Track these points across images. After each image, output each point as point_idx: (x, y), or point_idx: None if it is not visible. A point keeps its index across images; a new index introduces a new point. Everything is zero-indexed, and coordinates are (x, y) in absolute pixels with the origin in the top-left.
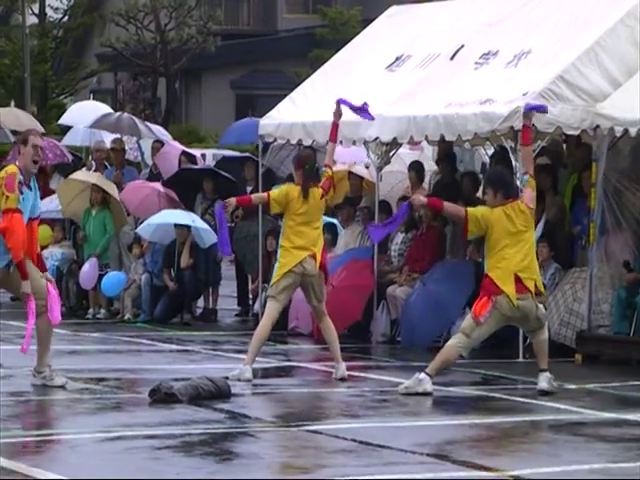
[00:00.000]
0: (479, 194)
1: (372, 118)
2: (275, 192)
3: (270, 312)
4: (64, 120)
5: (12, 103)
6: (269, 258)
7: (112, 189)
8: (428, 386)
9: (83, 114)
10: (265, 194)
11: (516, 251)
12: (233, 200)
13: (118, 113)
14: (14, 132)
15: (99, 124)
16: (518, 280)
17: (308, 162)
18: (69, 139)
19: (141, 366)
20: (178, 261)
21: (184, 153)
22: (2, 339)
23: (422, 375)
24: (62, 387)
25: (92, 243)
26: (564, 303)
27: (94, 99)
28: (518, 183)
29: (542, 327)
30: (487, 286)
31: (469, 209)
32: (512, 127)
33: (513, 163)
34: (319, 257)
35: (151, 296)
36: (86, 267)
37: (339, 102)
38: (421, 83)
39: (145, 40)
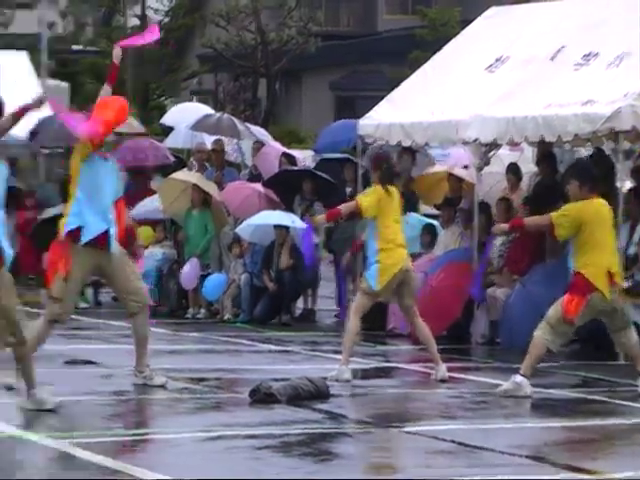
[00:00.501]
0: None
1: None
2: (366, 198)
3: (360, 308)
4: (165, 120)
5: None
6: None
7: (213, 189)
8: (528, 390)
9: (184, 115)
10: (354, 202)
11: (607, 246)
12: (322, 218)
13: (218, 114)
14: (118, 134)
15: (200, 126)
16: (609, 275)
17: (385, 163)
18: (171, 141)
19: (240, 366)
20: (278, 262)
21: (284, 154)
22: (103, 339)
23: (519, 378)
24: (162, 387)
25: (193, 243)
26: None
27: (195, 100)
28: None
29: (627, 327)
30: (580, 284)
31: (553, 215)
32: (613, 128)
33: (615, 164)
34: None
35: (251, 296)
36: (187, 268)
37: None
38: (521, 84)
39: (246, 41)
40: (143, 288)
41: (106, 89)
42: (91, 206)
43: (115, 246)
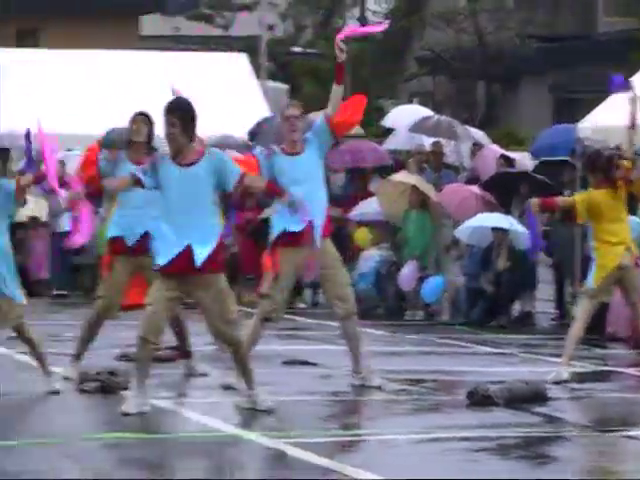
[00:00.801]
0: None
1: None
2: (580, 197)
3: (584, 312)
4: (386, 122)
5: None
6: (587, 261)
7: (431, 191)
8: None
9: (404, 117)
10: (572, 198)
11: None
12: (536, 201)
13: (437, 116)
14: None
15: (419, 128)
16: None
17: (599, 162)
18: (390, 143)
19: (458, 368)
20: (495, 264)
21: (502, 156)
22: (321, 339)
23: None
24: (379, 388)
25: (411, 245)
26: None
27: (413, 102)
28: None
29: None
30: None
31: None
32: None
33: None
34: (635, 250)
35: (468, 298)
36: (405, 270)
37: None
38: None
39: (464, 43)
40: (351, 294)
41: (336, 90)
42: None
43: (326, 245)
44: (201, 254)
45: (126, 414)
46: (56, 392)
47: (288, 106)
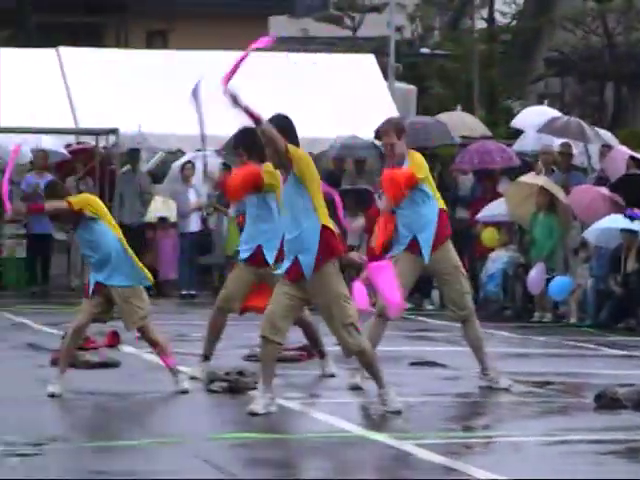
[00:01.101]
0: None
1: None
2: None
3: None
4: (514, 123)
5: (459, 107)
6: None
7: (559, 193)
8: None
9: (532, 118)
10: None
11: None
12: None
13: (566, 117)
14: (464, 137)
15: (547, 129)
16: None
17: None
18: (519, 145)
19: (585, 370)
20: (624, 266)
21: (631, 157)
22: (449, 341)
23: None
24: (507, 390)
25: (538, 246)
26: None
27: (542, 103)
28: None
29: None
30: None
31: None
32: None
33: None
34: None
35: (596, 300)
36: (533, 273)
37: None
38: None
39: (592, 44)
40: (469, 302)
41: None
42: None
43: (445, 251)
44: (307, 264)
45: (254, 414)
46: (185, 391)
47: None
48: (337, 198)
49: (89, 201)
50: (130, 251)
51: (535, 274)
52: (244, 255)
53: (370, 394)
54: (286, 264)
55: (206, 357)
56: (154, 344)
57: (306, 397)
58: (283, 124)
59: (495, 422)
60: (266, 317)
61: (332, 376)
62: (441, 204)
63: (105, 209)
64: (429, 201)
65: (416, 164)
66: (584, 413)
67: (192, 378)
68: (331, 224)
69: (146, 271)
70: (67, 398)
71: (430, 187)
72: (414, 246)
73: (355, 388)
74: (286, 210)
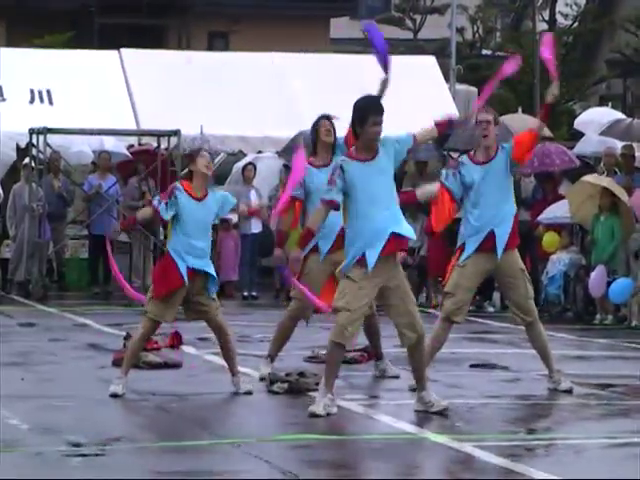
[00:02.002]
0: None
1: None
2: None
3: None
4: (577, 124)
5: (519, 110)
6: None
7: (622, 194)
8: None
9: (595, 120)
10: None
11: None
12: None
13: (629, 120)
14: None
15: (610, 132)
16: None
17: None
18: (580, 147)
19: None
20: None
21: None
22: (511, 343)
23: None
24: (568, 392)
25: (600, 248)
26: None
27: (604, 105)
28: None
29: None
30: None
31: None
32: None
33: None
34: None
35: None
36: (594, 275)
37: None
38: None
39: None
40: (532, 306)
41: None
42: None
43: (508, 255)
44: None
45: (314, 415)
46: (249, 392)
47: (480, 111)
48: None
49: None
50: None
51: (596, 277)
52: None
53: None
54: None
55: (271, 358)
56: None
57: (367, 398)
58: None
59: (556, 424)
60: (339, 326)
61: (396, 377)
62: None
63: None
64: (511, 198)
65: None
66: None
67: (262, 379)
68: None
69: None
70: (129, 398)
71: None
72: (488, 242)
73: (415, 389)
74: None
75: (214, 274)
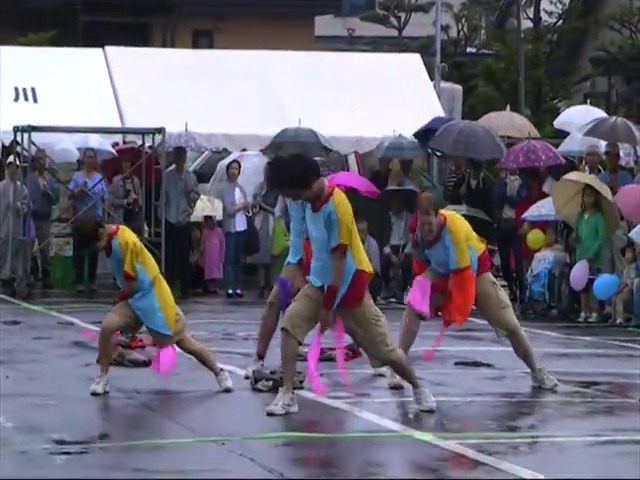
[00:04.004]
0: None
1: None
2: None
3: None
4: (558, 124)
5: (507, 108)
6: None
7: (606, 192)
8: None
9: (576, 118)
10: None
11: None
12: None
13: (613, 118)
14: (511, 137)
15: (594, 132)
16: None
17: None
18: (566, 146)
19: (632, 371)
20: None
21: None
22: (495, 340)
23: None
24: (552, 390)
25: (584, 246)
26: None
27: (589, 103)
28: None
29: None
30: None
31: None
32: None
33: None
34: None
35: None
36: (576, 267)
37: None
38: None
39: (639, 44)
40: (503, 316)
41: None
42: None
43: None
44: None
45: (271, 414)
46: (228, 390)
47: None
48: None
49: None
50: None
51: (578, 271)
52: None
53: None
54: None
55: (259, 355)
56: (194, 354)
57: (351, 396)
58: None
59: (540, 422)
60: (289, 315)
61: (381, 376)
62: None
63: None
64: None
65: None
66: (630, 413)
67: (246, 377)
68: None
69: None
70: (113, 396)
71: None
72: None
73: (395, 387)
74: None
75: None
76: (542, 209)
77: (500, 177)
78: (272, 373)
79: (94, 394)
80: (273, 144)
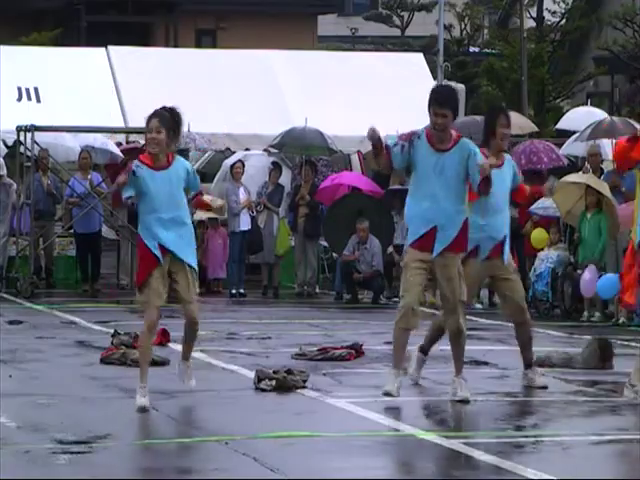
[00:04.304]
0: None
1: None
2: None
3: None
4: (561, 125)
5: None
6: None
7: (606, 190)
8: None
9: (579, 119)
10: None
11: None
12: None
13: (609, 117)
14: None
15: (594, 134)
16: None
17: None
18: (569, 149)
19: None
20: None
21: None
22: (498, 340)
23: None
24: (544, 388)
25: (587, 246)
26: None
27: (591, 103)
28: None
29: None
30: None
31: None
32: None
33: None
34: None
35: None
36: (585, 273)
37: None
38: None
39: None
40: (520, 306)
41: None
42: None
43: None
44: None
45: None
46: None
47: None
48: None
49: None
50: None
51: (588, 278)
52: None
53: (418, 393)
54: None
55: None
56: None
57: (355, 396)
58: None
59: (544, 421)
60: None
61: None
62: None
63: None
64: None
65: None
66: (633, 413)
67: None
68: None
69: None
70: (117, 396)
71: None
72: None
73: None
74: None
75: (190, 247)
76: (547, 201)
77: None
78: (275, 372)
79: (142, 410)
80: (278, 143)
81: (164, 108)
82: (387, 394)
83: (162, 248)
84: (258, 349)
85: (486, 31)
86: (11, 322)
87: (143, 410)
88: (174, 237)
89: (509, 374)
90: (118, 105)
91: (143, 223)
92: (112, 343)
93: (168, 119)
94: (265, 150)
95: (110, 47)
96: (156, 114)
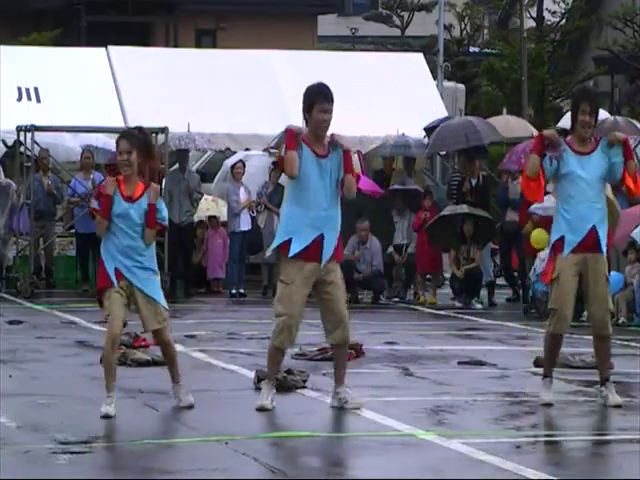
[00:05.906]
0: None
1: None
2: None
3: None
4: (561, 124)
5: (504, 111)
6: None
7: (607, 190)
8: None
9: None
10: None
11: None
12: None
13: (612, 117)
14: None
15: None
16: None
17: None
18: None
19: (635, 370)
20: None
21: None
22: (498, 340)
23: None
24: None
25: None
26: None
27: None
28: None
29: None
30: None
31: None
32: None
33: None
34: None
35: None
36: None
37: None
38: None
39: None
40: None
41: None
42: None
43: None
44: None
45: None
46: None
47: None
48: None
49: None
50: None
51: None
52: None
53: (418, 393)
54: None
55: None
56: (165, 347)
57: (355, 396)
58: None
59: (544, 421)
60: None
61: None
62: None
63: None
64: None
65: None
66: (633, 412)
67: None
68: None
69: None
70: (117, 396)
71: None
72: None
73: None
74: None
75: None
76: (547, 201)
77: (502, 180)
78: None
79: (106, 417)
80: (278, 144)
81: (133, 128)
82: (261, 408)
83: (118, 273)
84: (258, 349)
85: (486, 31)
86: (11, 322)
87: (107, 417)
88: (131, 264)
89: (509, 374)
90: (118, 105)
91: (105, 245)
92: None
93: (137, 138)
94: (265, 150)
95: (110, 47)
96: (124, 135)
